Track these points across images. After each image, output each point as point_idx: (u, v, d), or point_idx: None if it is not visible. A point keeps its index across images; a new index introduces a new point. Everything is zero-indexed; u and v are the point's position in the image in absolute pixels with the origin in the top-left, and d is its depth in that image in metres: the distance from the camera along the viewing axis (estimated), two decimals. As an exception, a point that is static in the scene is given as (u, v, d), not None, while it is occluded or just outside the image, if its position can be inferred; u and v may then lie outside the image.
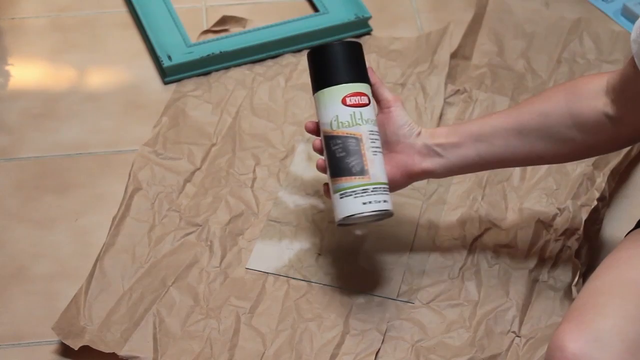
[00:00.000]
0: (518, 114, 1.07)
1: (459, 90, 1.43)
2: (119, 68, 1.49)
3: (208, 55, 1.46)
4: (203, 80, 1.45)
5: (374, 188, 1.05)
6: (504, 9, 1.55)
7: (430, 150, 1.09)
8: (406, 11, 1.60)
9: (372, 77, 1.10)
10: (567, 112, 1.03)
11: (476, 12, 1.55)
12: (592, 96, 1.02)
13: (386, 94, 1.10)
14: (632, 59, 0.94)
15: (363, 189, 1.04)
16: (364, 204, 1.04)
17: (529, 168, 1.32)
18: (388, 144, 1.10)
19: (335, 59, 1.08)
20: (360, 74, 1.09)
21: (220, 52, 1.47)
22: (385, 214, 1.07)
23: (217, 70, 1.47)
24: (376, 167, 1.06)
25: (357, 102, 1.06)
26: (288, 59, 1.49)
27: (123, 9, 1.59)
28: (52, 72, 1.49)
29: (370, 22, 1.55)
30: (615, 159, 1.31)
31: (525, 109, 1.07)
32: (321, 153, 1.10)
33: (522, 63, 1.48)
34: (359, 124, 1.06)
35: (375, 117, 1.08)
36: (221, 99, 1.42)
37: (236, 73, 1.46)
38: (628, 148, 1.32)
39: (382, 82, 1.11)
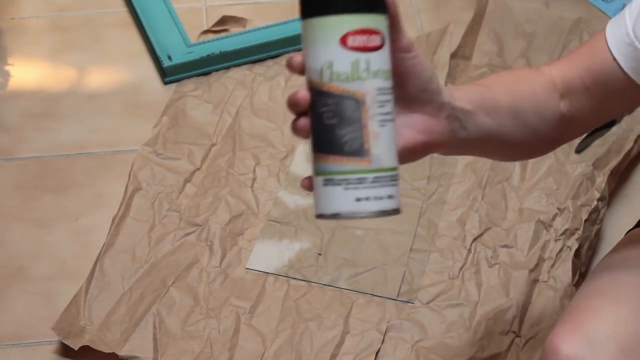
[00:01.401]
0: (509, 93, 0.89)
1: (459, 90, 1.43)
2: (119, 68, 1.49)
3: (208, 55, 1.46)
4: (203, 80, 1.45)
5: (375, 177, 0.73)
6: (504, 9, 1.55)
7: (454, 117, 0.82)
8: (406, 11, 1.60)
9: (392, 7, 0.75)
10: (536, 103, 0.90)
11: (476, 12, 1.55)
12: (548, 94, 0.91)
13: (406, 35, 0.77)
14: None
15: (359, 178, 0.73)
16: (358, 200, 0.73)
17: (529, 168, 1.32)
18: (408, 102, 0.79)
19: None
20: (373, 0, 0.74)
21: (220, 52, 1.47)
22: (389, 213, 0.74)
23: (217, 70, 1.47)
24: (382, 145, 0.73)
25: (364, 45, 0.72)
26: (288, 59, 1.49)
27: (123, 9, 1.59)
28: (52, 72, 1.49)
29: (370, 22, 1.55)
30: (615, 159, 1.32)
31: (516, 88, 0.91)
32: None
33: (522, 63, 1.48)
34: (363, 79, 0.73)
35: (389, 67, 0.74)
36: (221, 99, 1.42)
37: (236, 73, 1.46)
38: (628, 148, 1.32)
39: (401, 16, 0.76)
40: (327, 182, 0.73)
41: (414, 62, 0.77)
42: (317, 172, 0.74)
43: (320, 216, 0.74)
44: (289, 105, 0.76)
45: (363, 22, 0.72)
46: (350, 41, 0.72)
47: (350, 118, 0.73)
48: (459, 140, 0.83)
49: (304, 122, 0.75)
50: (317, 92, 0.75)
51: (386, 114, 0.73)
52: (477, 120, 0.84)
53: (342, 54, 0.72)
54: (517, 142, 0.89)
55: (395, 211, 0.74)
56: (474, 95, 0.85)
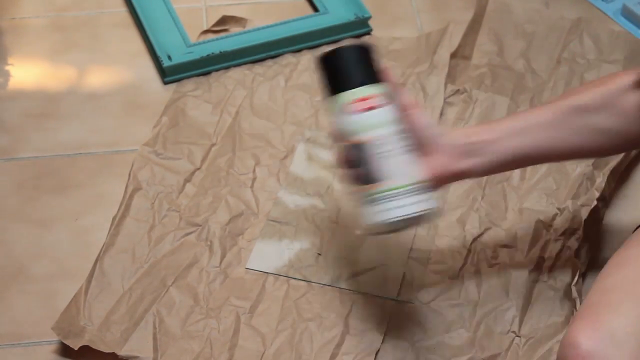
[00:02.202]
0: (556, 108, 1.05)
1: (458, 90, 1.43)
2: (119, 68, 1.49)
3: (208, 55, 1.46)
4: (203, 80, 1.45)
5: (384, 195, 0.98)
6: (504, 9, 1.55)
7: (465, 150, 1.03)
8: (406, 11, 1.60)
9: (388, 80, 1.03)
10: (604, 105, 1.04)
11: (476, 12, 1.55)
12: (627, 88, 1.03)
13: (402, 98, 1.03)
14: None
15: (372, 198, 0.99)
16: (376, 213, 0.99)
17: (529, 168, 1.32)
18: (417, 147, 1.03)
19: (335, 66, 1.03)
20: (364, 77, 1.02)
21: (220, 52, 1.47)
22: (414, 219, 0.99)
23: (217, 70, 1.47)
24: (386, 170, 0.99)
25: (361, 108, 1.00)
26: (288, 59, 1.49)
27: (123, 9, 1.59)
28: (52, 72, 1.49)
29: (370, 22, 1.55)
30: (615, 159, 1.31)
31: (563, 103, 1.05)
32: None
33: (522, 63, 1.48)
34: (364, 131, 0.99)
35: (386, 118, 1.00)
36: (221, 99, 1.42)
37: (236, 73, 1.47)
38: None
39: (397, 85, 1.04)
40: (358, 205, 1.01)
41: (411, 118, 1.02)
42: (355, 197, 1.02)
43: (366, 232, 1.02)
44: None
45: (357, 94, 1.00)
46: (349, 108, 1.00)
47: (358, 159, 1.00)
48: (483, 165, 1.04)
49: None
50: (342, 145, 1.02)
51: (387, 150, 0.99)
52: (498, 144, 1.03)
53: (345, 118, 1.01)
54: (584, 147, 1.05)
55: (423, 215, 0.99)
56: (495, 125, 1.04)
